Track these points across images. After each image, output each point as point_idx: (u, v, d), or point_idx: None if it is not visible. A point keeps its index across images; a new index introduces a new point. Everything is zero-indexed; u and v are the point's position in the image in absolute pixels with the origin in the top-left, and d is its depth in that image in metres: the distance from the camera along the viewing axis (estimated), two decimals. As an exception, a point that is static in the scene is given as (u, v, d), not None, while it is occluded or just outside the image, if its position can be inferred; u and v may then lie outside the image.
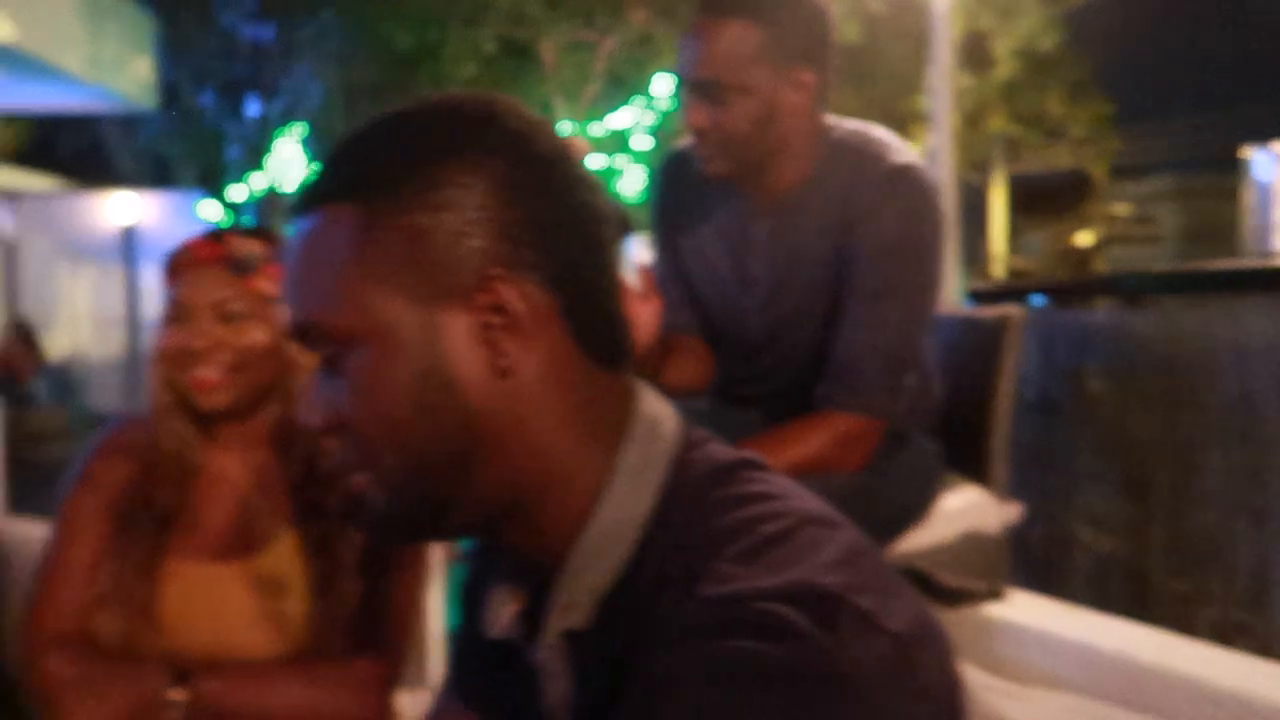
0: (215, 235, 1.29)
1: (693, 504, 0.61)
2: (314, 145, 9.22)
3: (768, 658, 0.50)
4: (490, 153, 0.60)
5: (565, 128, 8.80)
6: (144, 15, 8.81)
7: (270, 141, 9.28)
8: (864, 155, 1.42)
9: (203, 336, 1.23)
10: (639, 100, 8.88)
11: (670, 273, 1.59)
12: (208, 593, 1.26)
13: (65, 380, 8.06)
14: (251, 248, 1.29)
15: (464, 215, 0.59)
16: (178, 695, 1.20)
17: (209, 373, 1.24)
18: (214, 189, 9.38)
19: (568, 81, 9.16)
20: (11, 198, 10.17)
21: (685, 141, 1.55)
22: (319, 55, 9.31)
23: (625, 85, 9.15)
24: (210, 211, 9.31)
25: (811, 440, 1.38)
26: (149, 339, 8.80)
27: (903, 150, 1.43)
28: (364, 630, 1.28)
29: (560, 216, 0.61)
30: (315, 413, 0.62)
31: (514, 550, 0.66)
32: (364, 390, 0.59)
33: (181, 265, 1.28)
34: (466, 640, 0.81)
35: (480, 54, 9.00)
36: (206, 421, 1.28)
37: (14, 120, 12.21)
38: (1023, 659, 1.65)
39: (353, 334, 0.59)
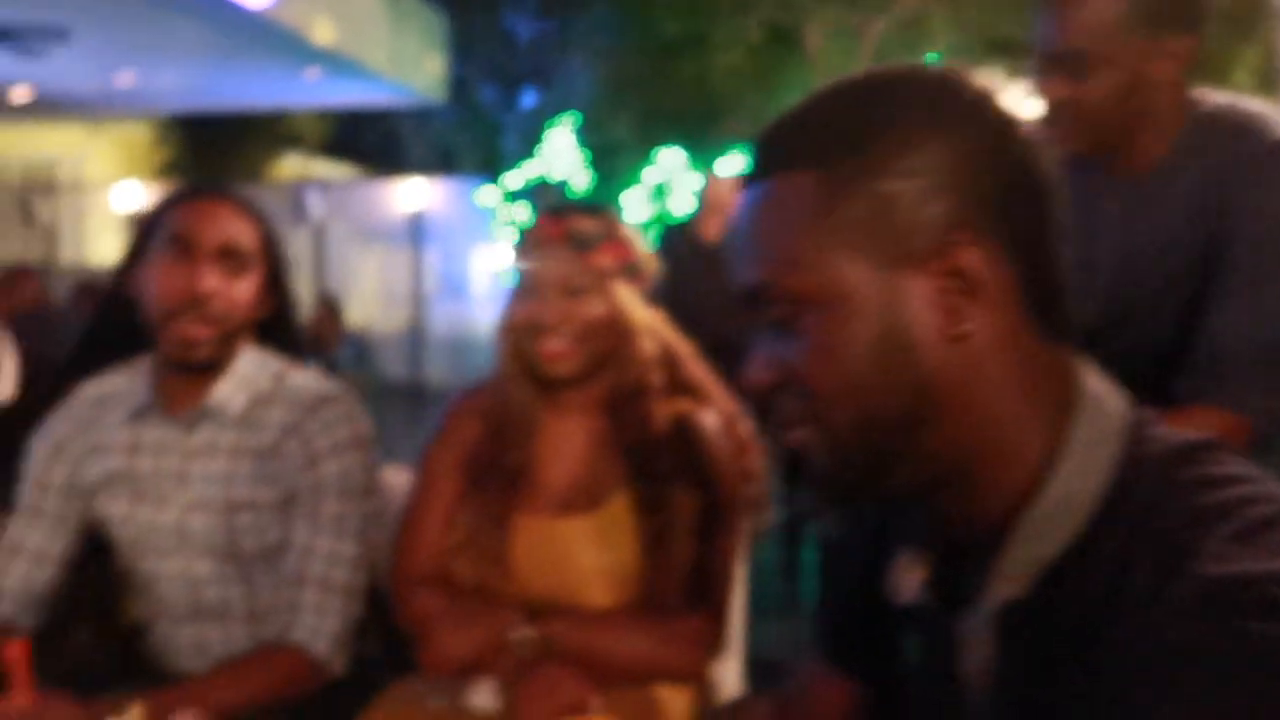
0: (558, 215, 1.38)
1: (1158, 482, 0.59)
2: (583, 134, 9.64)
3: None
4: (952, 120, 0.62)
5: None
6: (438, 16, 9.57)
7: (542, 132, 9.79)
8: (1241, 131, 1.30)
9: (550, 310, 1.31)
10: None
11: None
12: (550, 545, 1.35)
13: (360, 350, 8.91)
14: (591, 226, 1.36)
15: (928, 181, 0.60)
16: (529, 633, 1.31)
17: (557, 344, 1.32)
18: (492, 176, 10.03)
19: (833, 67, 9.00)
20: (322, 185, 11.37)
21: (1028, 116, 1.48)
22: (590, 49, 9.71)
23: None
24: (488, 198, 9.97)
25: None
26: (430, 314, 9.46)
27: None
28: (694, 590, 1.34)
29: (1017, 184, 0.62)
30: (762, 370, 0.65)
31: (946, 515, 0.66)
32: (821, 349, 0.62)
33: (530, 243, 1.37)
34: (846, 607, 0.82)
35: (745, 42, 9.04)
36: (549, 387, 1.37)
37: (321, 115, 13.68)
38: None
39: (812, 296, 0.62)
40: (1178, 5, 1.28)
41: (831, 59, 9.03)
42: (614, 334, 1.35)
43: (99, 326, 1.47)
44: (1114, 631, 0.53)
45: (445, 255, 10.79)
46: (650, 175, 9.16)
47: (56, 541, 1.39)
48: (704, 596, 1.34)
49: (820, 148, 0.63)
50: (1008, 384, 0.62)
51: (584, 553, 1.35)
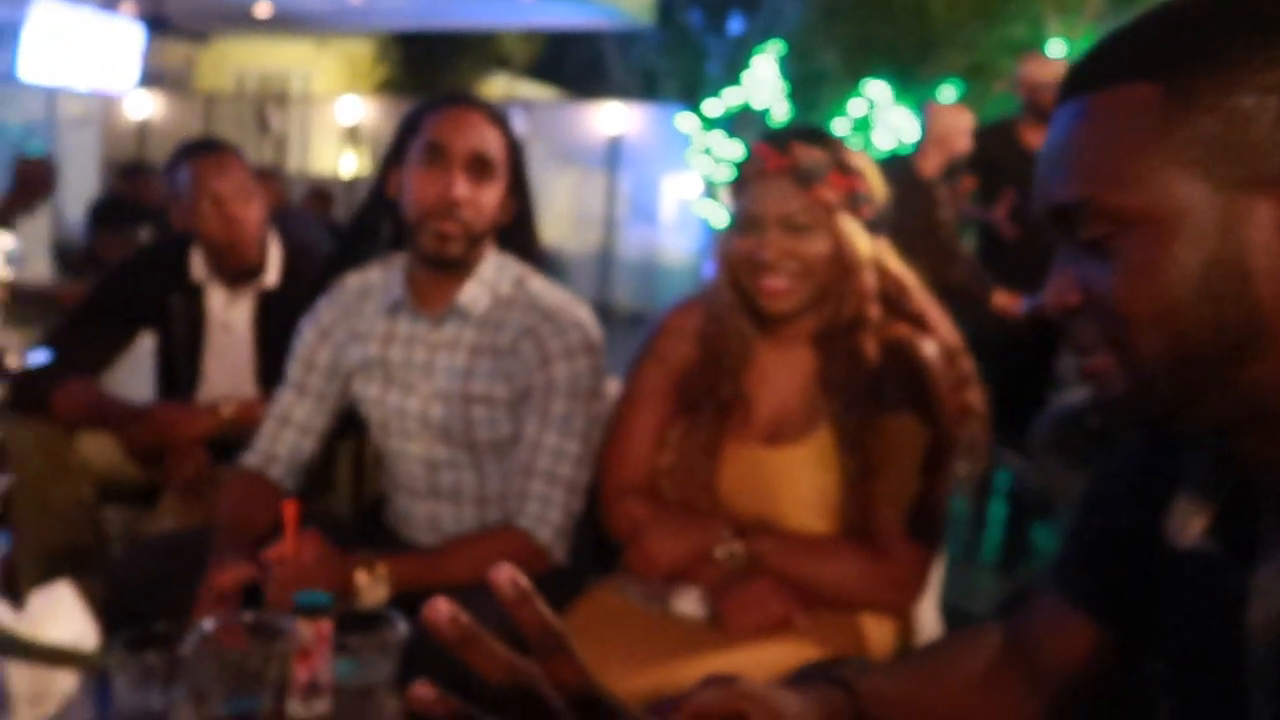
0: (781, 144, 1.33)
1: None
2: (788, 63, 9.39)
3: None
4: None
5: (1057, 47, 8.05)
6: (650, -62, 9.48)
7: (747, 59, 9.60)
8: None
9: (771, 247, 1.29)
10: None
11: None
12: (757, 473, 1.36)
13: (554, 268, 9.16)
14: (816, 157, 1.30)
15: None
16: (736, 546, 1.34)
17: (778, 281, 1.30)
18: (693, 103, 9.96)
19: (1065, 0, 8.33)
20: (526, 105, 11.66)
21: None
22: (804, -28, 9.38)
23: (1133, 1, 8.12)
24: (687, 124, 9.92)
25: None
26: (620, 238, 9.58)
27: None
28: (908, 523, 1.33)
29: None
30: (1067, 290, 0.63)
31: (1248, 458, 0.63)
32: (1142, 272, 0.59)
33: (750, 176, 1.34)
34: (1102, 544, 0.79)
35: (971, -33, 8.48)
36: (766, 320, 1.37)
37: (529, 37, 13.96)
38: None
39: (1139, 215, 0.59)
40: None
41: (1065, -11, 8.34)
42: (836, 269, 1.32)
43: (361, 222, 1.59)
44: None
45: (638, 181, 10.87)
46: (855, 108, 8.84)
47: (319, 416, 1.53)
48: (918, 531, 1.33)
49: (1167, 58, 0.59)
50: None
51: (792, 483, 1.35)
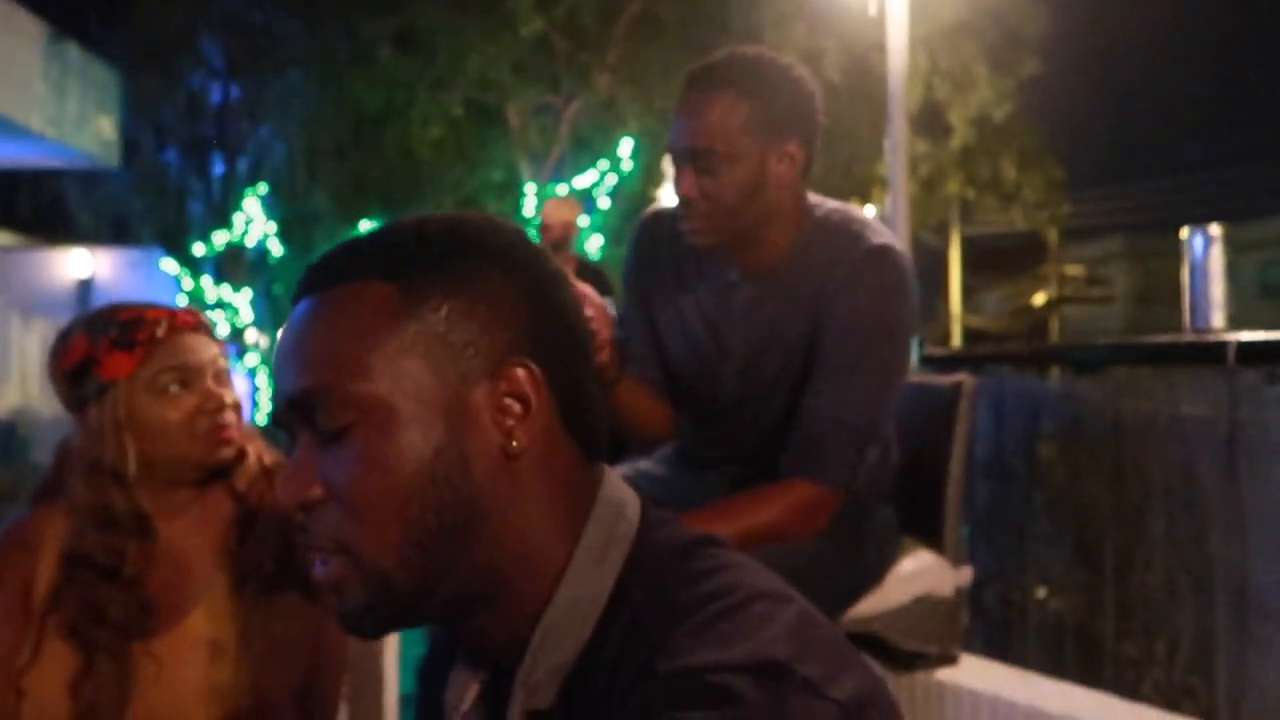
0: (179, 308, 1.34)
1: (651, 582, 0.63)
2: (274, 203, 9.21)
3: None
4: (518, 261, 0.66)
5: (530, 188, 8.89)
6: (109, 74, 8.82)
7: (235, 199, 9.26)
8: (843, 234, 1.45)
9: (224, 392, 1.28)
10: (601, 162, 9.01)
11: (642, 329, 1.60)
12: (149, 666, 1.24)
13: (13, 438, 7.88)
14: (201, 315, 1.35)
15: (496, 307, 0.64)
16: None
17: (236, 420, 1.28)
18: (175, 245, 9.31)
19: (533, 144, 9.26)
20: (-34, 253, 10.05)
21: (668, 207, 1.57)
22: (284, 115, 9.34)
23: (588, 148, 9.28)
24: (171, 268, 9.25)
25: (771, 508, 1.40)
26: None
27: (881, 231, 1.46)
28: (305, 688, 1.30)
29: (560, 322, 0.67)
30: (306, 485, 0.63)
31: (480, 634, 0.67)
32: (377, 460, 0.61)
33: (169, 335, 1.27)
34: (425, 717, 0.81)
35: (447, 117, 9.08)
36: (183, 487, 1.28)
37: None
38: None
39: (373, 403, 0.61)
40: (790, 116, 1.41)
41: (531, 136, 9.29)
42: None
43: None
44: None
45: (121, 330, 9.83)
46: (351, 246, 8.89)
47: None
48: (314, 694, 1.31)
49: (402, 262, 0.64)
50: (544, 501, 0.64)
51: (187, 671, 1.25)
